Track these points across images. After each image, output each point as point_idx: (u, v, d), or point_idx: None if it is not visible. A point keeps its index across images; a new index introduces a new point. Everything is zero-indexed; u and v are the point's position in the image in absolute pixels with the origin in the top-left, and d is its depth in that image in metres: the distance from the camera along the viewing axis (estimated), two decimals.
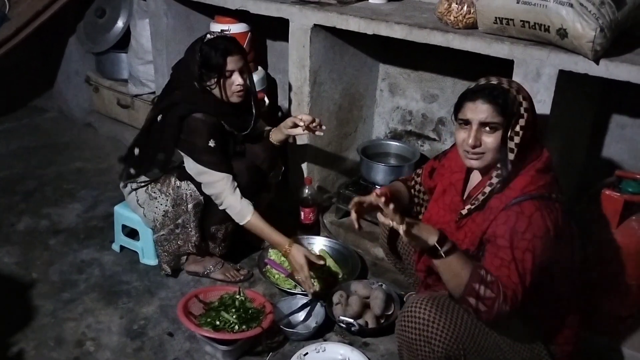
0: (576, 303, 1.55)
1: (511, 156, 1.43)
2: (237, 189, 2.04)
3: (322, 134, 2.19)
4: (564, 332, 1.52)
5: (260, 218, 2.05)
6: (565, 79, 1.72)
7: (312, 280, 2.03)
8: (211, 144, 2.00)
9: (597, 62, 1.61)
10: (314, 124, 2.13)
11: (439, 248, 1.36)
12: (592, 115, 2.15)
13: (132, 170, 2.21)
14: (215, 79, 1.99)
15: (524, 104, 1.43)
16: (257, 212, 2.05)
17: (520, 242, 1.36)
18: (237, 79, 2.00)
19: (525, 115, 1.42)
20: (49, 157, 3.27)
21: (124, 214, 2.35)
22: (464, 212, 1.51)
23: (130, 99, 3.39)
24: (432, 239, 1.36)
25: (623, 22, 1.63)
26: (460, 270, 1.37)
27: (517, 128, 1.42)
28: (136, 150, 2.20)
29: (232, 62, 1.99)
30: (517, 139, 1.42)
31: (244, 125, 2.12)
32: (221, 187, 2.02)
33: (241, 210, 2.03)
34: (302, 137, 2.43)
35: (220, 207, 2.06)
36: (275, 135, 2.23)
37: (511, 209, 1.39)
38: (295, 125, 2.14)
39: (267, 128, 2.32)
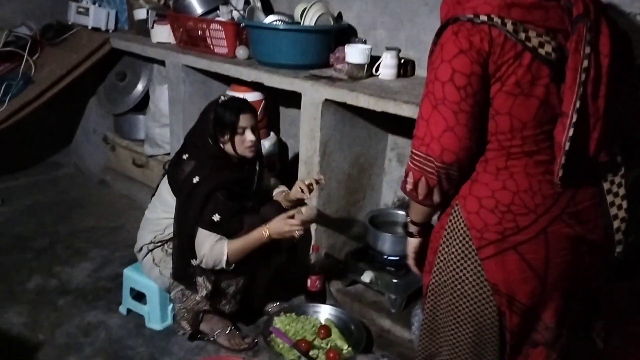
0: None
1: None
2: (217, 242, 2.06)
3: (314, 187, 2.24)
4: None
5: (233, 241, 2.05)
6: None
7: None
8: (215, 218, 2.05)
9: None
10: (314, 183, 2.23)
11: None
12: None
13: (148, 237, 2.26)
14: (229, 135, 2.11)
15: None
16: (228, 241, 2.06)
17: (429, 74, 1.25)
18: (249, 135, 2.12)
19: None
20: (63, 214, 3.33)
21: (132, 276, 2.38)
22: None
23: (145, 159, 3.49)
24: None
25: None
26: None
27: None
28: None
29: (244, 120, 2.11)
30: None
31: (249, 184, 2.21)
32: (207, 246, 2.04)
33: (217, 257, 2.04)
34: (311, 204, 2.47)
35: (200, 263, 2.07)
36: (285, 203, 2.32)
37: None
38: (302, 190, 2.23)
39: (279, 190, 2.41)
